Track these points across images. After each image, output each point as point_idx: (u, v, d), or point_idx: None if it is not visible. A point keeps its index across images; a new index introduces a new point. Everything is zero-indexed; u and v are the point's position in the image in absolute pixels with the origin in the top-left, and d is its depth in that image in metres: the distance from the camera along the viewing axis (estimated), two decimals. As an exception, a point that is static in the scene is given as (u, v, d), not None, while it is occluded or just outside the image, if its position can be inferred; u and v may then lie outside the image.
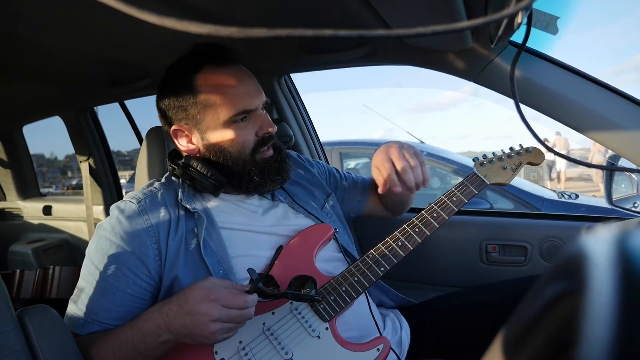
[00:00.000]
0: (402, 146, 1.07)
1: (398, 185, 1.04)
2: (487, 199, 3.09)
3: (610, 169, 0.84)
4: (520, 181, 3.58)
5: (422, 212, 1.09)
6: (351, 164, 4.38)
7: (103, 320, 0.92)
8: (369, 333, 1.03)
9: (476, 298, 1.18)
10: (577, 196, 3.34)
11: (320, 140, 1.82)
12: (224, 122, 0.99)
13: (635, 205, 2.06)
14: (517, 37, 1.01)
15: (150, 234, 0.95)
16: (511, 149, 1.16)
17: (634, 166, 1.26)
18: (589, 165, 0.86)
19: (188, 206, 1.00)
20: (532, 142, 1.18)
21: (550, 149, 0.84)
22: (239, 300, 0.80)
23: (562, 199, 3.20)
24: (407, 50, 1.20)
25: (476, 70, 1.20)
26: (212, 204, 1.05)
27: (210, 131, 1.00)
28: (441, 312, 1.19)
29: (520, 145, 1.17)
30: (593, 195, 4.77)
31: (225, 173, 1.02)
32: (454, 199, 1.09)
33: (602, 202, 3.23)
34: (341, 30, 0.37)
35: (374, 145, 4.02)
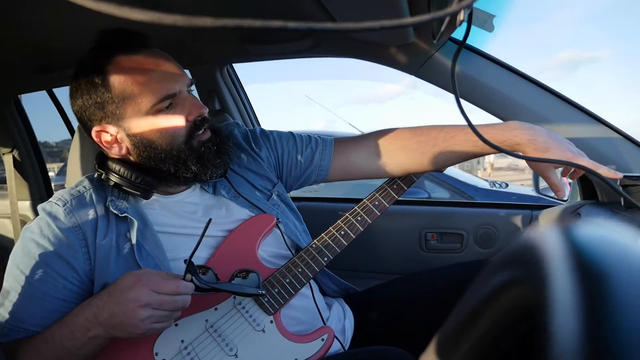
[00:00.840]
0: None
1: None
2: (425, 189, 3.20)
3: (542, 161, 0.89)
4: (455, 171, 3.74)
5: (364, 200, 1.10)
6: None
7: (31, 328, 0.86)
8: (313, 323, 1.03)
9: (417, 284, 1.22)
10: (507, 185, 3.54)
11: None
12: (148, 113, 0.90)
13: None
14: (457, 34, 1.05)
15: (78, 237, 0.90)
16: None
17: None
18: (522, 157, 0.91)
19: (117, 212, 0.93)
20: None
21: (487, 142, 0.87)
22: (171, 284, 0.77)
23: (494, 188, 3.38)
24: (351, 43, 1.21)
25: (417, 65, 1.24)
26: (147, 206, 0.99)
27: (134, 126, 0.91)
28: (383, 299, 1.21)
29: None
30: (521, 184, 5.08)
31: (157, 171, 0.95)
32: (395, 186, 1.12)
33: (530, 191, 3.46)
34: (290, 22, 0.37)
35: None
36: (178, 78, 0.93)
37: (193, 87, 1.00)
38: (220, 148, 0.99)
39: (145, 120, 0.91)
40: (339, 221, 1.08)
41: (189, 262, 0.78)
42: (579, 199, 1.35)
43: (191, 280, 0.80)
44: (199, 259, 0.95)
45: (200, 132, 0.96)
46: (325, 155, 1.13)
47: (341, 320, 1.12)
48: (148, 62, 0.91)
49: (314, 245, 1.04)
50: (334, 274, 1.18)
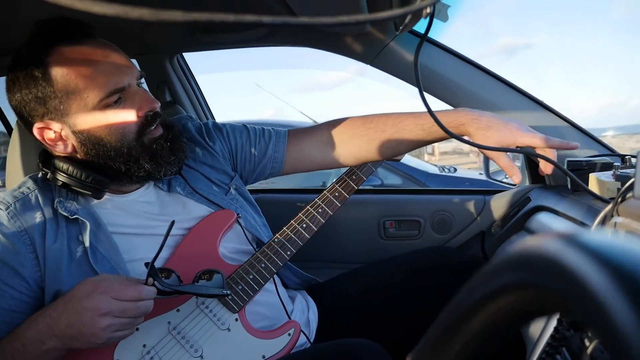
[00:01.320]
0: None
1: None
2: (378, 176, 3.24)
3: (501, 150, 0.92)
4: (405, 157, 3.81)
5: (324, 192, 1.10)
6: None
7: None
8: (278, 318, 1.03)
9: (378, 272, 1.24)
10: (455, 170, 3.65)
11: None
12: (95, 108, 0.84)
13: (507, 176, 2.33)
14: (417, 26, 1.05)
15: (25, 242, 0.83)
16: None
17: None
18: (477, 146, 0.93)
19: (66, 214, 0.87)
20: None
21: (440, 124, 0.88)
22: (132, 290, 0.74)
23: (444, 173, 3.49)
24: (306, 32, 1.19)
25: (373, 54, 1.24)
26: (99, 206, 0.93)
27: (80, 122, 0.85)
28: (346, 289, 1.22)
29: None
30: (468, 168, 5.27)
31: (107, 170, 0.89)
32: (354, 177, 1.13)
33: (477, 175, 3.59)
34: (265, 16, 0.35)
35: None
36: (127, 70, 0.88)
37: (143, 80, 0.94)
38: (174, 144, 0.94)
39: (92, 116, 0.85)
40: (300, 214, 1.07)
41: (150, 266, 0.75)
42: (527, 182, 1.41)
43: (153, 285, 0.76)
44: (158, 259, 0.91)
45: (152, 128, 0.91)
46: (279, 148, 1.11)
47: (305, 312, 1.12)
48: (93, 53, 0.86)
49: (276, 240, 1.03)
50: (295, 266, 1.18)
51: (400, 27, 1.00)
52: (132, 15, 0.32)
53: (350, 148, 1.08)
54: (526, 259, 0.22)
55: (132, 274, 0.87)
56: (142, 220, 0.95)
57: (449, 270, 1.18)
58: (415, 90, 1.23)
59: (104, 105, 0.85)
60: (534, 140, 0.90)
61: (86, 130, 0.86)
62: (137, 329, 0.85)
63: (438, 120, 0.79)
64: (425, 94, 1.26)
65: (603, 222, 0.65)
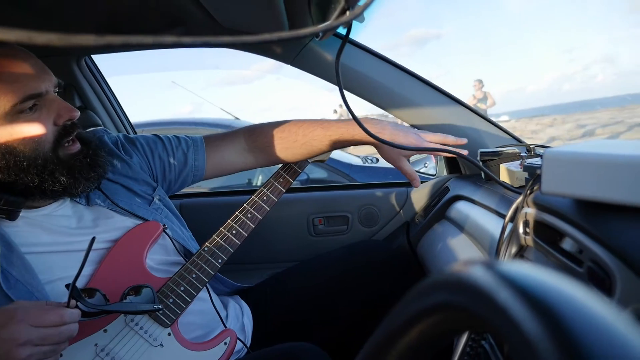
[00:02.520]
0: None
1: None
2: (304, 170, 3.25)
3: (411, 149, 0.97)
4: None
5: (252, 196, 1.10)
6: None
7: None
8: (213, 327, 1.01)
9: (309, 271, 1.25)
10: (377, 160, 3.76)
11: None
12: (7, 116, 0.78)
13: (426, 165, 2.45)
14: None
15: None
16: None
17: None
18: (398, 147, 0.97)
19: None
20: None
21: (369, 133, 0.91)
22: (53, 315, 0.69)
23: (367, 164, 3.57)
24: (224, 33, 1.16)
25: (292, 55, 1.24)
26: (10, 224, 0.85)
27: None
28: (278, 291, 1.23)
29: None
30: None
31: (18, 184, 0.82)
32: (281, 180, 1.14)
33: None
34: (185, 38, 0.34)
35: (187, 124, 3.86)
36: (43, 77, 0.83)
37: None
38: (94, 160, 0.91)
39: (4, 124, 0.79)
40: (229, 220, 1.06)
41: (72, 286, 0.70)
42: (445, 173, 1.49)
43: (76, 306, 0.72)
44: (81, 277, 0.85)
45: (69, 139, 0.87)
46: (198, 155, 1.12)
47: (239, 318, 1.11)
48: (6, 58, 0.80)
49: (206, 248, 1.01)
50: (228, 268, 1.16)
51: (320, 34, 1.01)
52: (38, 41, 0.30)
53: (267, 153, 1.14)
54: (456, 283, 0.24)
55: (51, 296, 0.82)
56: (58, 237, 0.89)
57: (378, 263, 1.23)
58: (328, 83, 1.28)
59: (18, 111, 0.79)
60: (437, 138, 1.05)
61: None
62: (61, 355, 0.80)
63: (364, 126, 0.81)
64: (346, 92, 1.31)
65: (515, 212, 0.71)
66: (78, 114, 0.87)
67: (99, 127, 1.12)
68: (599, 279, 0.45)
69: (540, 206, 0.63)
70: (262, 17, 1.05)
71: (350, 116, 0.85)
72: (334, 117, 13.33)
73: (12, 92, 0.78)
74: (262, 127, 1.15)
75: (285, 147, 1.12)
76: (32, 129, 0.81)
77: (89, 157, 0.89)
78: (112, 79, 1.58)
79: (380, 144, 1.00)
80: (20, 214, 0.87)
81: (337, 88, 1.30)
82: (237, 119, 4.14)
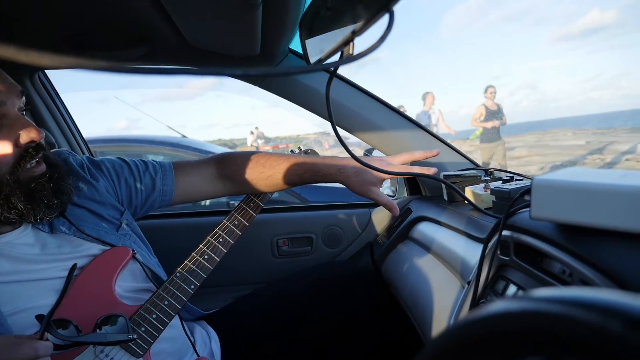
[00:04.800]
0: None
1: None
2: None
3: (403, 174, 1.00)
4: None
5: (224, 220, 1.09)
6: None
7: None
8: (182, 352, 0.98)
9: (276, 292, 1.25)
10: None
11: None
12: None
13: (381, 186, 2.51)
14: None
15: None
16: (292, 152, 1.24)
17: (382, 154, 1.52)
18: (381, 171, 1.00)
19: None
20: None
21: (355, 157, 0.92)
22: (26, 349, 0.64)
23: (318, 184, 3.59)
24: (192, 53, 1.14)
25: (260, 77, 1.25)
26: None
27: None
28: (245, 313, 1.21)
29: (300, 148, 1.28)
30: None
31: None
32: (252, 204, 1.13)
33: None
34: (165, 66, 0.34)
35: (132, 141, 3.74)
36: (7, 95, 0.78)
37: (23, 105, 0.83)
38: (58, 186, 0.85)
39: None
40: (201, 245, 1.04)
41: (47, 319, 0.66)
42: (405, 194, 1.54)
43: (47, 339, 0.67)
44: (47, 306, 0.80)
45: (33, 163, 0.81)
46: (167, 180, 1.10)
47: (207, 344, 1.08)
48: None
49: (177, 274, 0.98)
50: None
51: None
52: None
53: (236, 183, 1.14)
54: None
55: (14, 328, 0.76)
56: (21, 265, 0.83)
57: (344, 282, 1.24)
58: (312, 115, 1.30)
59: None
60: (404, 158, 1.05)
61: None
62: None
63: (350, 151, 0.82)
64: (310, 116, 1.33)
65: (491, 234, 0.75)
66: (43, 135, 0.81)
67: (63, 149, 1.05)
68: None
69: (520, 229, 0.67)
70: (236, 39, 1.05)
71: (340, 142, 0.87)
72: (251, 137, 13.35)
73: None
74: (232, 156, 1.16)
75: (252, 178, 1.11)
76: None
77: (52, 181, 0.84)
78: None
79: (346, 179, 1.03)
80: None
81: (275, 105, 1.34)
82: (184, 136, 4.05)
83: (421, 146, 1.35)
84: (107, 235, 0.95)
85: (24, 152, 0.79)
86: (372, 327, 1.18)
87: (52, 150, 1.00)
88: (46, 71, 1.39)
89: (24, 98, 0.83)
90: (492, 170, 1.17)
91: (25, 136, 0.79)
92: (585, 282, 0.50)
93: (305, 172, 1.08)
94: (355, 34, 0.51)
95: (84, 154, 1.56)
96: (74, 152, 1.07)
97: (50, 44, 1.10)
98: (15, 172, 0.79)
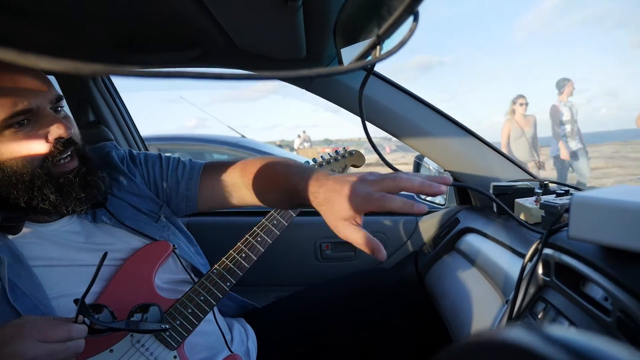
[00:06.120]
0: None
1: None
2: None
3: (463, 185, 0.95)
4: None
5: (263, 220, 1.09)
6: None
7: None
8: (218, 350, 0.99)
9: (316, 296, 1.24)
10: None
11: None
12: None
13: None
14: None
15: None
16: (337, 152, 1.23)
17: (435, 165, 1.47)
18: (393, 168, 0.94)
19: None
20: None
21: (379, 153, 0.89)
22: (60, 331, 0.68)
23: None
24: (241, 55, 1.17)
25: (309, 80, 1.24)
26: (17, 237, 0.85)
27: None
28: (284, 314, 1.21)
29: (344, 148, 1.24)
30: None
31: (12, 200, 0.82)
32: None
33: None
34: (208, 70, 0.34)
35: (193, 140, 3.88)
36: (36, 93, 0.81)
37: (64, 103, 0.88)
38: (86, 180, 0.88)
39: None
40: (239, 243, 1.05)
41: (81, 302, 0.69)
42: (455, 203, 1.48)
43: (83, 322, 0.71)
44: (90, 294, 0.84)
45: (64, 157, 0.85)
46: (191, 186, 1.06)
47: (244, 342, 1.10)
48: (3, 73, 0.79)
49: (214, 271, 1.00)
50: (231, 290, 1.15)
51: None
52: (84, 71, 0.30)
53: (253, 193, 0.99)
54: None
55: (57, 311, 0.81)
56: (67, 251, 0.88)
57: (386, 292, 1.22)
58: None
59: (7, 126, 0.78)
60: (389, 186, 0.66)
61: None
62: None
63: (379, 152, 0.80)
64: (359, 120, 1.31)
65: (534, 252, 0.70)
66: (71, 131, 0.84)
67: (109, 142, 1.09)
68: (629, 331, 0.44)
69: (562, 249, 0.62)
70: (280, 42, 1.06)
71: (371, 146, 0.85)
72: (298, 141, 13.37)
73: (2, 107, 0.77)
74: (253, 161, 1.02)
75: (263, 189, 0.95)
76: (22, 145, 0.80)
77: (79, 176, 0.87)
78: (124, 94, 1.59)
79: (317, 206, 0.74)
80: (30, 228, 0.87)
81: (338, 109, 1.32)
82: (243, 136, 4.16)
83: (472, 154, 1.29)
84: (146, 227, 0.98)
85: (53, 147, 0.83)
86: (411, 339, 1.15)
87: (98, 145, 1.06)
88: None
89: (57, 94, 0.86)
90: (546, 182, 1.09)
91: (55, 132, 0.82)
92: (626, 313, 0.45)
93: (295, 190, 0.81)
94: (388, 30, 0.50)
95: (137, 144, 1.63)
96: (118, 146, 1.10)
97: (111, 48, 1.17)
98: (45, 166, 0.83)
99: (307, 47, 1.12)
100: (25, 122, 0.80)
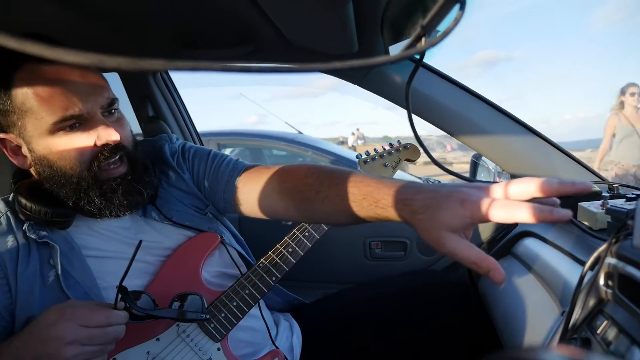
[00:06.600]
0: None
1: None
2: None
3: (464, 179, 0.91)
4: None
5: None
6: (227, 151, 4.26)
7: None
8: (262, 345, 1.00)
9: (365, 294, 1.22)
10: (439, 182, 3.65)
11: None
12: (49, 131, 0.80)
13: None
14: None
15: None
16: (391, 145, 1.19)
17: (492, 165, 1.40)
18: (451, 173, 0.90)
19: (34, 237, 0.82)
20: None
21: (426, 150, 0.86)
22: (99, 315, 0.70)
23: (428, 187, 3.47)
24: (295, 51, 1.16)
25: (360, 75, 1.22)
26: (72, 228, 0.88)
27: (35, 142, 0.82)
28: (331, 311, 1.20)
29: (399, 141, 1.20)
30: (452, 180, 5.26)
31: (62, 197, 0.85)
32: None
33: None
34: (252, 64, 0.33)
35: (252, 136, 3.96)
36: (89, 98, 0.82)
37: (117, 105, 0.89)
38: (131, 187, 0.89)
39: (45, 138, 0.81)
40: (286, 237, 1.05)
41: (119, 288, 0.71)
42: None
43: (124, 308, 0.73)
44: (135, 287, 0.87)
45: (112, 163, 0.86)
46: (228, 187, 0.99)
47: (289, 338, 1.10)
48: (57, 75, 0.81)
49: (260, 265, 1.01)
50: (278, 285, 1.15)
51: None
52: (108, 65, 0.30)
53: (294, 201, 0.88)
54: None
55: (106, 301, 0.84)
56: (118, 245, 0.91)
57: (437, 293, 1.18)
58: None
59: (58, 129, 0.80)
60: (520, 190, 0.58)
61: (39, 150, 0.83)
62: (115, 360, 0.82)
63: (428, 151, 0.77)
64: (415, 118, 1.27)
65: (596, 261, 0.64)
66: (118, 138, 0.84)
67: (164, 135, 1.10)
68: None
69: (627, 259, 0.56)
70: (333, 37, 1.04)
71: (418, 142, 0.82)
72: (352, 138, 12.99)
73: (52, 110, 0.79)
74: (296, 166, 0.91)
75: (307, 198, 0.84)
76: (71, 147, 0.82)
77: (123, 183, 0.88)
78: (184, 90, 1.65)
79: (411, 216, 0.62)
80: (83, 220, 0.90)
81: (396, 107, 1.28)
82: (300, 132, 4.19)
83: (535, 155, 1.22)
84: (193, 220, 0.99)
85: (100, 152, 0.84)
86: (460, 344, 1.10)
87: (154, 137, 1.08)
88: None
89: (110, 97, 0.87)
90: (617, 185, 1.01)
91: (103, 137, 0.83)
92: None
93: (365, 199, 0.72)
94: (433, 20, 0.48)
95: (193, 139, 1.68)
96: (172, 139, 1.10)
97: (165, 45, 1.21)
98: (92, 170, 0.84)
99: (358, 41, 1.10)
100: (76, 126, 0.82)
